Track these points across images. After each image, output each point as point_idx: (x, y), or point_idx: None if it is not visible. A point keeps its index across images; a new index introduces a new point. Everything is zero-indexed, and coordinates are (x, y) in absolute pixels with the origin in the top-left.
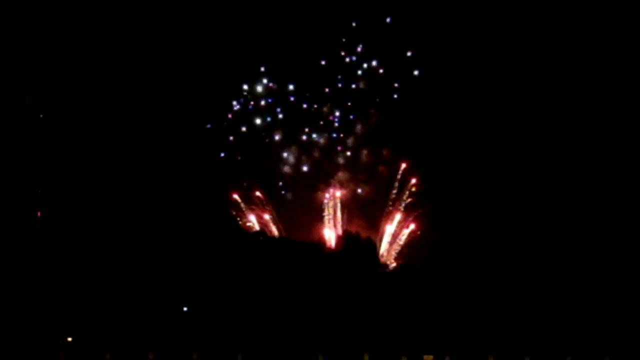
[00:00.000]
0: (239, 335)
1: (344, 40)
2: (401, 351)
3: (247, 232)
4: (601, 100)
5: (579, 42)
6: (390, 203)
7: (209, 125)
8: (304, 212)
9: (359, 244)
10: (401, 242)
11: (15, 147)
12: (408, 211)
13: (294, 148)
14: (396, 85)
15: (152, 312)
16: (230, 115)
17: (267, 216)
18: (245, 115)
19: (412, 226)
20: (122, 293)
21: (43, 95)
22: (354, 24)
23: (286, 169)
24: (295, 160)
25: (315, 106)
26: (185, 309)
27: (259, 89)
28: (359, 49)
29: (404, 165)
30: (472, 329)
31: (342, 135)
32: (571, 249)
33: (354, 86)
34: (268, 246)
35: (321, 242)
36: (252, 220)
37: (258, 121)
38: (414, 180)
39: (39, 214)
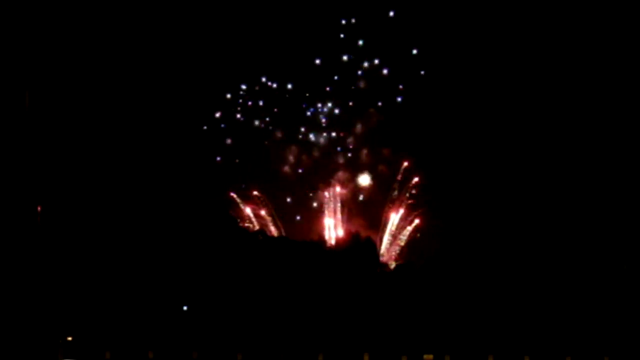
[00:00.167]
0: (239, 334)
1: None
2: (401, 350)
3: (247, 231)
4: (601, 100)
5: (579, 42)
6: (391, 203)
7: (205, 127)
8: (304, 212)
9: (359, 244)
10: (402, 242)
11: (16, 147)
12: (409, 210)
13: (293, 148)
14: (398, 85)
15: (152, 312)
16: (230, 116)
17: (266, 216)
18: (245, 116)
19: (412, 226)
20: (122, 293)
21: (43, 96)
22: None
23: (286, 168)
24: (295, 160)
25: (316, 106)
26: (185, 308)
27: (258, 88)
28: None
29: (405, 164)
30: (472, 329)
31: (342, 134)
32: (571, 249)
33: (354, 87)
34: (268, 246)
35: (321, 241)
36: (252, 220)
37: (257, 121)
38: (415, 180)
39: (39, 213)
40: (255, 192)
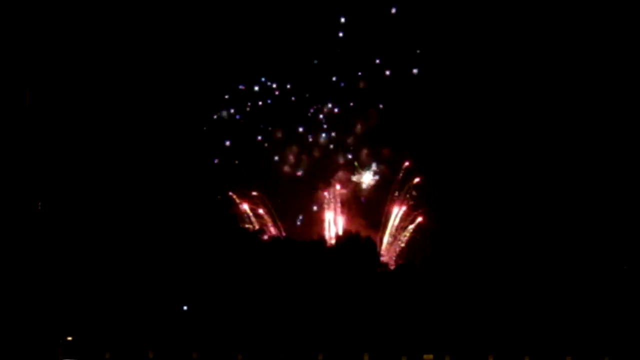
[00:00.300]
0: (239, 334)
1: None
2: (401, 350)
3: (247, 231)
4: (601, 100)
5: (579, 42)
6: (391, 202)
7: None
8: (304, 212)
9: (359, 243)
10: (402, 242)
11: (16, 146)
12: (409, 210)
13: (294, 147)
14: (398, 85)
15: (152, 312)
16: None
17: (266, 216)
18: (245, 116)
19: (413, 226)
20: (122, 293)
21: (43, 96)
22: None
23: (286, 168)
24: (295, 160)
25: (316, 106)
26: (185, 308)
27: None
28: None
29: (406, 164)
30: (472, 329)
31: (342, 134)
32: (571, 249)
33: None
34: (268, 246)
35: (321, 241)
36: (252, 220)
37: (257, 122)
38: (416, 180)
39: (39, 212)
40: (255, 192)
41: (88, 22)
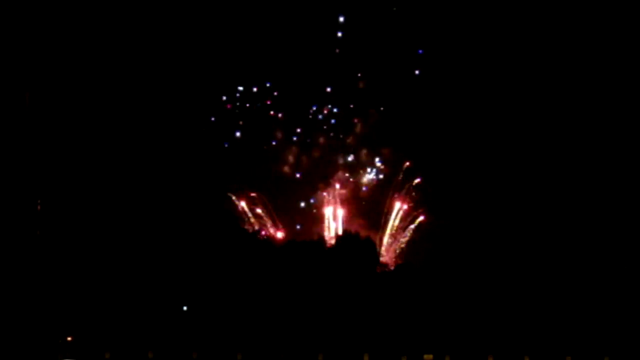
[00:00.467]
0: (239, 334)
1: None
2: (401, 351)
3: (247, 232)
4: (601, 101)
5: (579, 42)
6: (391, 203)
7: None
8: (304, 212)
9: (358, 243)
10: (402, 242)
11: (16, 148)
12: (409, 211)
13: (293, 148)
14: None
15: (152, 312)
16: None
17: (266, 216)
18: (245, 116)
19: (413, 226)
20: (122, 293)
21: (43, 97)
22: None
23: (286, 168)
24: (294, 160)
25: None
26: (185, 308)
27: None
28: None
29: (406, 164)
30: (472, 329)
31: (341, 135)
32: (571, 249)
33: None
34: (267, 246)
35: (321, 241)
36: (252, 220)
37: (258, 122)
38: (417, 180)
39: (39, 212)
40: (254, 193)
41: (88, 21)
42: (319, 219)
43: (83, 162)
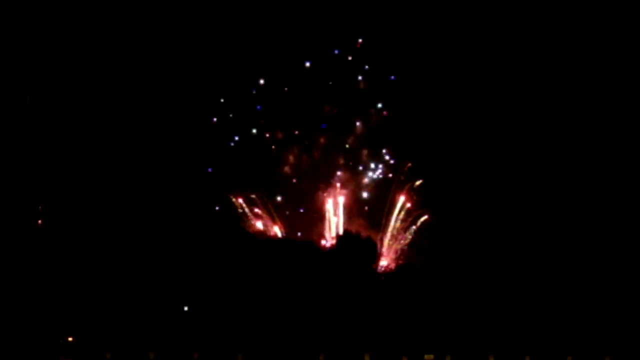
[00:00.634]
0: (239, 335)
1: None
2: (402, 351)
3: (247, 232)
4: (601, 100)
5: (578, 43)
6: (392, 203)
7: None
8: (305, 212)
9: (359, 244)
10: (403, 243)
11: (16, 148)
12: (410, 211)
13: (294, 148)
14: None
15: (153, 312)
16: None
17: (266, 216)
18: (245, 116)
19: (414, 227)
20: (122, 293)
21: (43, 98)
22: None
23: (286, 169)
24: (295, 160)
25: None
26: (185, 308)
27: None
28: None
29: (408, 165)
30: (472, 329)
31: (342, 135)
32: (571, 249)
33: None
34: (268, 246)
35: (321, 241)
36: (252, 220)
37: (258, 122)
38: (418, 181)
39: (39, 213)
40: (255, 193)
41: (88, 25)
42: (320, 219)
43: (83, 163)
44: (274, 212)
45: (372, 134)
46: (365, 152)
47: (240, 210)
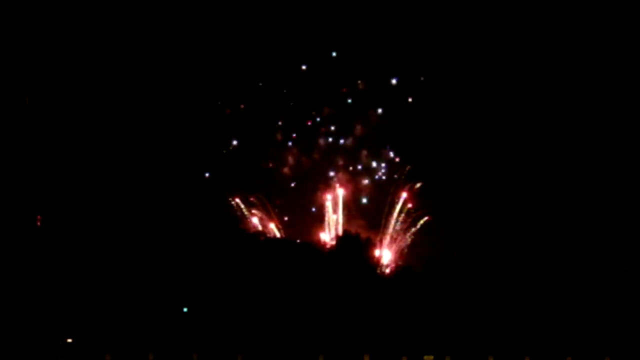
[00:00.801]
0: (239, 336)
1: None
2: (401, 351)
3: (247, 233)
4: (599, 102)
5: (577, 43)
6: (392, 205)
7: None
8: (304, 213)
9: (359, 245)
10: (402, 244)
11: (16, 148)
12: (410, 213)
13: (293, 150)
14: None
15: (153, 313)
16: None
17: (266, 217)
18: (244, 118)
19: (414, 228)
20: (122, 294)
21: (43, 97)
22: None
23: (286, 170)
24: (294, 162)
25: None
26: (185, 309)
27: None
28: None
29: (408, 167)
30: (472, 330)
31: (342, 136)
32: (571, 250)
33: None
34: (268, 247)
35: (321, 242)
36: (252, 221)
37: (259, 122)
38: (418, 183)
39: (38, 215)
40: (254, 193)
41: (87, 26)
42: (320, 220)
43: (83, 164)
44: (274, 213)
45: (372, 135)
46: (364, 153)
47: (240, 212)
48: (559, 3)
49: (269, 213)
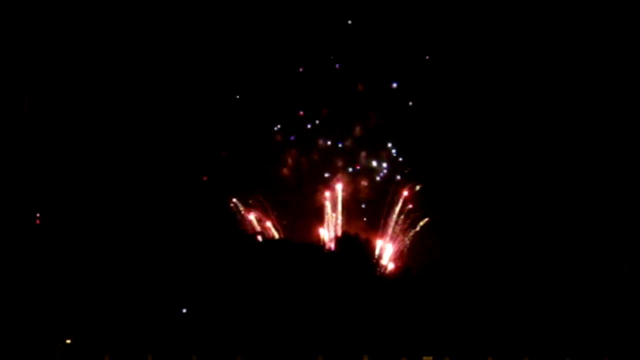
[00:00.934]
0: (238, 336)
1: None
2: (401, 352)
3: (246, 233)
4: (599, 103)
5: (577, 44)
6: (391, 206)
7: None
8: (304, 214)
9: (358, 246)
10: (402, 245)
11: (15, 147)
12: (409, 214)
13: (293, 151)
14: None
15: (152, 314)
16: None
17: (265, 218)
18: (246, 117)
19: (414, 230)
20: (121, 295)
21: (42, 98)
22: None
23: (285, 171)
24: (294, 163)
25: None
26: (184, 310)
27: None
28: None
29: (407, 170)
30: (471, 330)
31: (341, 137)
32: (571, 250)
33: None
34: (267, 247)
35: (321, 243)
36: (251, 222)
37: (259, 123)
38: (417, 187)
39: (38, 215)
40: (254, 195)
41: (87, 26)
42: (319, 221)
43: (82, 165)
44: (273, 214)
45: (372, 136)
46: (364, 154)
47: (239, 213)
48: (559, 3)
49: (268, 214)
